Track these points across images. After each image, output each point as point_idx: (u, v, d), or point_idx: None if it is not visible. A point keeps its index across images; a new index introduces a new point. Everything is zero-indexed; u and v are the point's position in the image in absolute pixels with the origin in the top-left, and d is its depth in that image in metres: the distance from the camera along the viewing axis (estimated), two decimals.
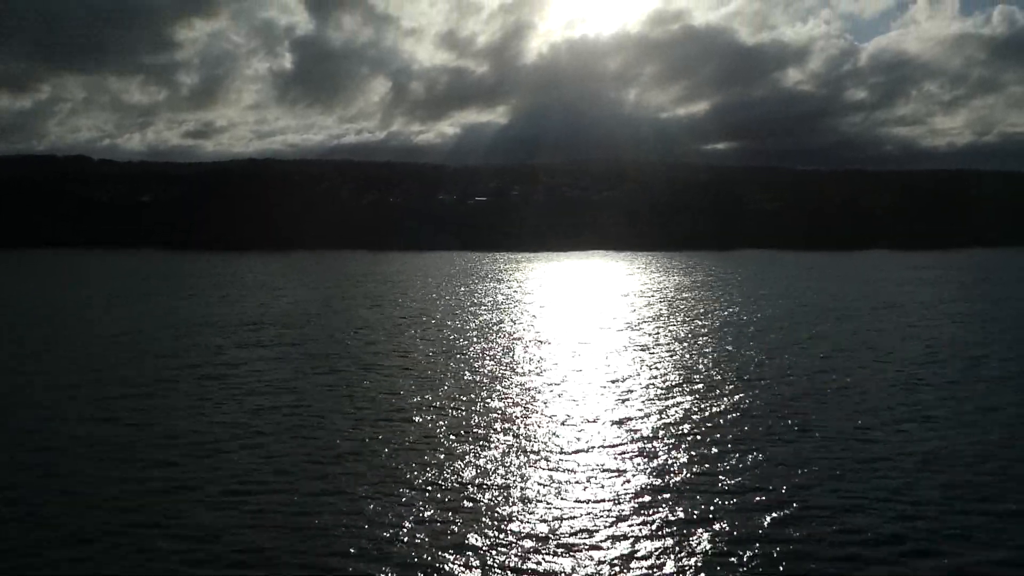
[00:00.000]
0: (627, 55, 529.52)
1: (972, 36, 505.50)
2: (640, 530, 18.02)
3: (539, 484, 21.03)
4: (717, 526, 18.24)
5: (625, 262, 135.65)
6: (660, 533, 17.88)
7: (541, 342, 44.57)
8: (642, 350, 41.75)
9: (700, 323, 53.15)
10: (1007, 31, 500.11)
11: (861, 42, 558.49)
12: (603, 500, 19.82)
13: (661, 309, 62.01)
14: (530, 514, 19.00)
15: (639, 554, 16.93)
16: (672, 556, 16.82)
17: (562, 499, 19.89)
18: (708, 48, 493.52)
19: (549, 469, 22.28)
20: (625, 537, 17.69)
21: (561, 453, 23.70)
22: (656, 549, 17.12)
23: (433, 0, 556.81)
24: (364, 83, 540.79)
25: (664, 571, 16.21)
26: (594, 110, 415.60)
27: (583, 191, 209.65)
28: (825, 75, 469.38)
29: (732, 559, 16.72)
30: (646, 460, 23.02)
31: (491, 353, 40.84)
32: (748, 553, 16.94)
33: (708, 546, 17.27)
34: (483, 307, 63.25)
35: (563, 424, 26.95)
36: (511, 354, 40.54)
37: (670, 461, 22.91)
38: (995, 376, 34.91)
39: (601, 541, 17.48)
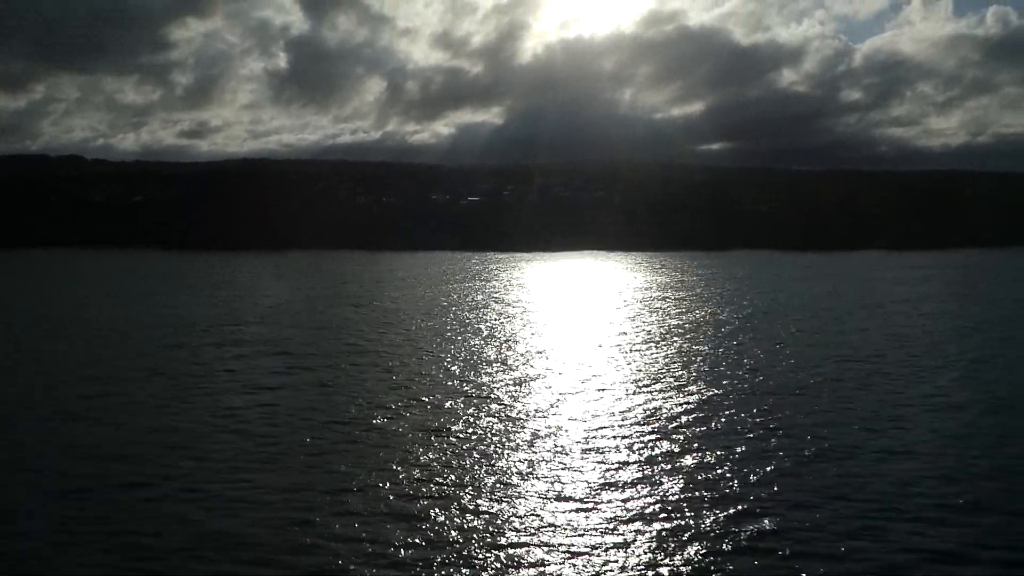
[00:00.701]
0: (622, 56, 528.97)
1: (966, 37, 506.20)
2: (591, 525, 18.02)
3: (497, 483, 21.08)
4: (666, 524, 18.22)
5: (617, 262, 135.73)
6: (611, 529, 17.88)
7: (516, 341, 44.64)
8: (615, 348, 41.79)
9: (678, 322, 53.21)
10: (1001, 32, 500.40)
11: (855, 43, 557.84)
12: (556, 497, 19.86)
13: (640, 308, 62.08)
14: (486, 513, 19.02)
15: (583, 550, 16.94)
16: (624, 552, 16.87)
17: (520, 497, 19.92)
18: (703, 49, 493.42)
19: (506, 469, 22.34)
20: (577, 533, 17.69)
21: (518, 451, 23.75)
22: (606, 544, 17.13)
23: (428, 0, 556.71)
24: (359, 83, 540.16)
25: (616, 566, 16.23)
26: (589, 110, 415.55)
27: (577, 191, 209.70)
28: (820, 76, 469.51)
29: (685, 555, 16.77)
30: (599, 455, 23.04)
31: (465, 352, 40.87)
32: (699, 550, 16.99)
33: (658, 542, 17.29)
34: (463, 307, 63.27)
35: (524, 423, 27.00)
36: (484, 353, 40.57)
37: (626, 457, 22.93)
38: (964, 375, 34.95)
39: (552, 539, 17.46)
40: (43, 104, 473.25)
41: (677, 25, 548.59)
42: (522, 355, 39.96)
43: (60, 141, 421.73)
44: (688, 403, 29.53)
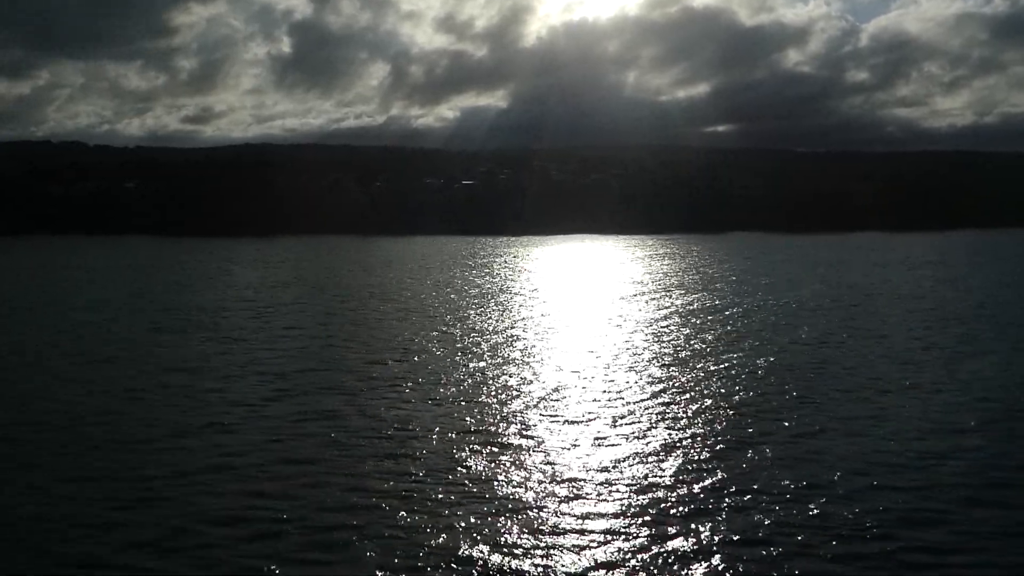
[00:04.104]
0: (626, 38, 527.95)
1: (973, 15, 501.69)
2: (580, 517, 17.40)
3: (447, 475, 21.07)
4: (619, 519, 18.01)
5: (605, 246, 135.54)
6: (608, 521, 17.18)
7: (478, 324, 44.71)
8: (576, 330, 41.87)
9: (639, 307, 53.28)
10: (1008, 10, 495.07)
11: (861, 22, 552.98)
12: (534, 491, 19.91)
13: (588, 292, 62.18)
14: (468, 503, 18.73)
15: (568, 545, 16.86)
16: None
17: (507, 491, 19.35)
18: (707, 30, 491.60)
19: (462, 460, 22.36)
20: (565, 525, 17.08)
21: (492, 435, 23.85)
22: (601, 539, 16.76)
23: None
24: (363, 67, 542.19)
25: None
26: (593, 93, 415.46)
27: (576, 175, 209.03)
28: (825, 56, 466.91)
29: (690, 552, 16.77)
30: (583, 440, 23.09)
31: (416, 337, 41.00)
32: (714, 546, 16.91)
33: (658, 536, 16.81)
34: (424, 291, 63.45)
35: (478, 411, 27.10)
36: (435, 338, 40.67)
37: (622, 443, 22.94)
38: (911, 358, 34.78)
39: (551, 535, 16.69)
40: (47, 90, 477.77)
41: (681, 6, 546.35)
42: (481, 337, 40.00)
43: (65, 127, 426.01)
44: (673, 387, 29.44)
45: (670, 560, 15.31)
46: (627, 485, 18.95)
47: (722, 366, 32.37)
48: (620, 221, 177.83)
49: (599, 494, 18.44)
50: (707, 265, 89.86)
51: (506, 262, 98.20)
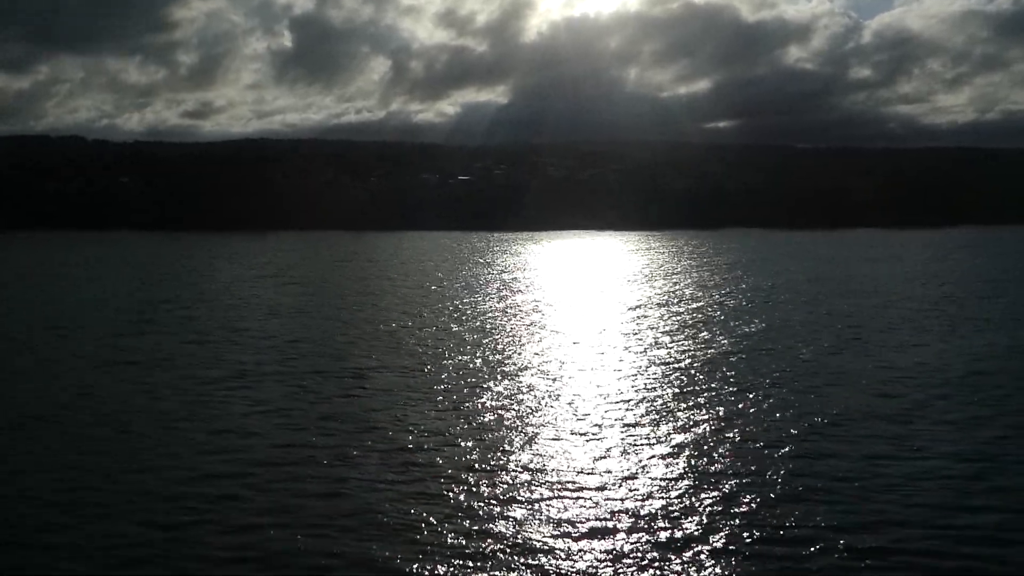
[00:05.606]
0: (627, 33, 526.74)
1: (976, 13, 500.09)
2: (582, 516, 17.45)
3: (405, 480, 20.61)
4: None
5: (599, 242, 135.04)
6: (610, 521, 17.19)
7: (449, 325, 44.20)
8: (542, 330, 41.33)
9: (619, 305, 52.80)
10: (1011, 7, 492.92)
11: (864, 19, 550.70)
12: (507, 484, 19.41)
13: (573, 290, 61.71)
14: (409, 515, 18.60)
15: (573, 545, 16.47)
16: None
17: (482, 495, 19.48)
18: (709, 26, 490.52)
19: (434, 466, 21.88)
20: (569, 525, 17.12)
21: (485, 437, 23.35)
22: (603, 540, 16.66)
23: None
24: (363, 62, 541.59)
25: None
26: (595, 89, 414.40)
27: (575, 170, 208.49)
28: (828, 53, 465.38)
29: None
30: (583, 442, 22.56)
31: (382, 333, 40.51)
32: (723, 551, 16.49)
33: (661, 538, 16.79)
34: (407, 288, 62.98)
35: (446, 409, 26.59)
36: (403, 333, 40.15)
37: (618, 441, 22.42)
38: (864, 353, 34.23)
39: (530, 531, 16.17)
40: (47, 85, 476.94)
41: (682, 2, 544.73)
42: (448, 332, 39.50)
43: (64, 122, 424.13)
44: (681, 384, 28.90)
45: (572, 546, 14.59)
46: (533, 474, 18.34)
47: (665, 357, 31.71)
48: (620, 217, 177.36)
49: (515, 485, 17.64)
50: (684, 262, 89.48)
51: (492, 260, 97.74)
